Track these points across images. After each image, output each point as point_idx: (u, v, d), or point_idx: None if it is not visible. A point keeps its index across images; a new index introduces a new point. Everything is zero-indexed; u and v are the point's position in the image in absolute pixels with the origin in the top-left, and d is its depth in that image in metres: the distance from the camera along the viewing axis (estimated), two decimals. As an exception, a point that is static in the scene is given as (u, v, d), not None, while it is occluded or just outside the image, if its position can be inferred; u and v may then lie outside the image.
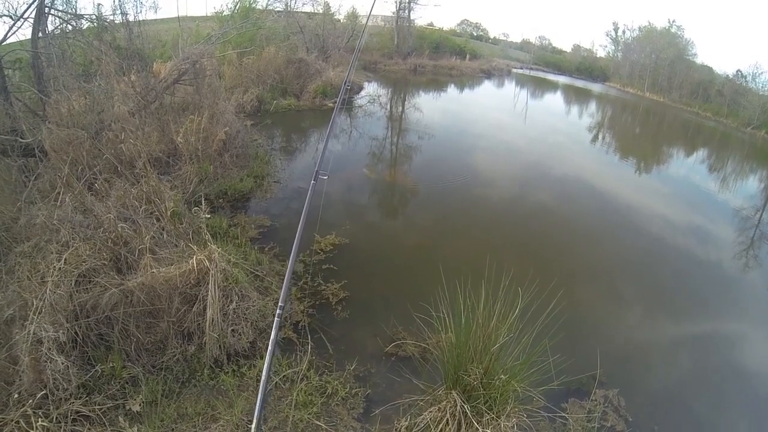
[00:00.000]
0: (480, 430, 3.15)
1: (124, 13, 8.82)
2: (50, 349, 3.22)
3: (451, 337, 3.70)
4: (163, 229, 4.75)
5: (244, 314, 4.27)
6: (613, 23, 50.70)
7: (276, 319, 2.18)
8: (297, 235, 2.64)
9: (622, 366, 4.82)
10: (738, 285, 7.52)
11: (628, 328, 5.70)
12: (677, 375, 5.03)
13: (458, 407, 3.32)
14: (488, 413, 3.28)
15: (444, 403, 3.45)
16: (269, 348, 2.17)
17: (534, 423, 3.53)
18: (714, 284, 7.39)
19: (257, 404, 2.06)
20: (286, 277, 2.47)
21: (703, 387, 4.98)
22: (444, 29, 48.03)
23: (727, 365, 5.40)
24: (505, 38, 57.36)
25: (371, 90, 20.18)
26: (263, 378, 2.13)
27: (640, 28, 44.26)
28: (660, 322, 5.92)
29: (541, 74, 44.59)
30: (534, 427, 3.51)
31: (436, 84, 27.51)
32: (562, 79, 42.83)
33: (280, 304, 2.22)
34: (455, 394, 3.40)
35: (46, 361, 3.19)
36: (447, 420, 3.33)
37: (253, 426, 2.06)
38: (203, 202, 5.32)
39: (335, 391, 3.89)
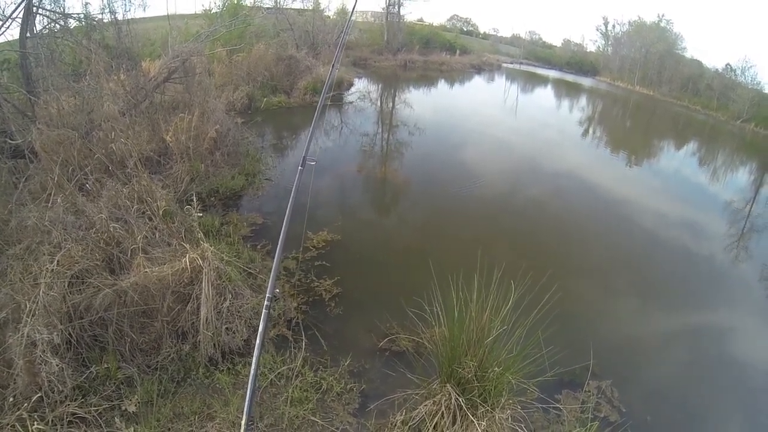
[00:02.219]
0: (475, 422, 3.17)
1: (112, 12, 8.78)
2: (44, 351, 3.20)
3: (445, 331, 3.72)
4: (156, 229, 4.73)
5: (238, 312, 4.27)
6: (603, 18, 50.69)
7: (264, 311, 2.17)
8: (284, 222, 2.64)
9: (614, 357, 4.85)
10: (729, 276, 7.60)
11: (620, 320, 5.75)
12: (670, 366, 5.08)
13: (453, 400, 3.34)
14: (483, 405, 3.30)
15: (439, 396, 3.47)
16: (257, 341, 2.17)
17: (528, 414, 3.57)
18: (706, 276, 7.47)
19: (246, 399, 2.06)
20: (273, 267, 2.46)
21: (695, 377, 5.04)
22: (434, 25, 47.96)
23: (720, 356, 5.46)
24: (495, 33, 57.42)
25: (361, 86, 20.15)
26: (252, 372, 2.13)
27: (630, 22, 44.62)
28: (652, 314, 5.98)
29: (531, 69, 44.68)
30: (528, 419, 3.53)
31: (427, 80, 27.51)
32: (552, 74, 42.98)
33: (267, 295, 2.19)
34: (450, 388, 3.43)
35: (40, 364, 3.18)
36: (442, 413, 3.36)
37: (243, 421, 2.06)
38: (195, 200, 5.30)
39: (330, 387, 3.91)
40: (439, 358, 3.74)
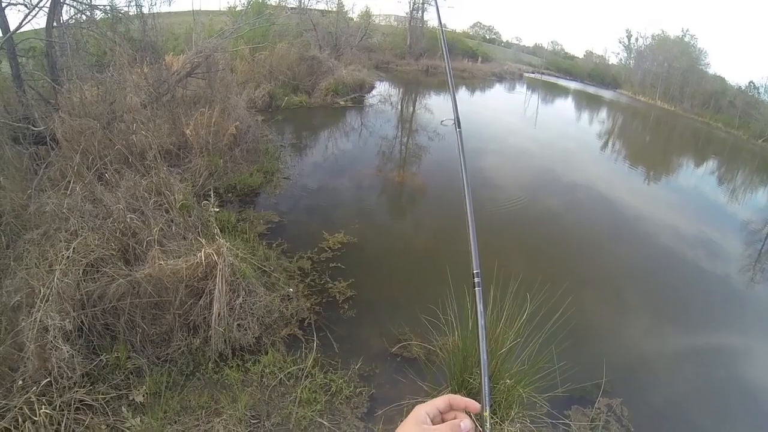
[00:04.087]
0: (484, 434, 3.12)
1: (138, 5, 8.87)
2: (56, 337, 3.22)
3: (458, 340, 3.68)
4: (172, 222, 4.75)
5: (251, 309, 4.26)
6: (626, 30, 50.28)
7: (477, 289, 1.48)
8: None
9: (626, 375, 4.76)
10: (745, 298, 7.45)
11: (634, 338, 5.66)
12: (682, 387, 4.97)
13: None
14: (492, 417, 3.26)
15: (448, 405, 3.42)
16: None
17: (537, 429, 3.51)
18: (721, 297, 7.31)
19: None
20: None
21: (707, 400, 4.92)
22: (457, 31, 48.13)
23: (733, 379, 5.34)
24: (517, 42, 57.46)
25: (383, 89, 20.19)
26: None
27: (653, 36, 44.04)
28: (666, 333, 5.87)
29: (552, 79, 44.49)
30: (537, 433, 3.48)
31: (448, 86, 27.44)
32: (573, 85, 42.75)
33: (475, 270, 1.48)
34: (460, 397, 3.38)
35: (51, 349, 3.19)
36: (451, 423, 3.31)
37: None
38: (212, 195, 5.31)
39: (339, 390, 3.88)
40: (451, 367, 3.70)
